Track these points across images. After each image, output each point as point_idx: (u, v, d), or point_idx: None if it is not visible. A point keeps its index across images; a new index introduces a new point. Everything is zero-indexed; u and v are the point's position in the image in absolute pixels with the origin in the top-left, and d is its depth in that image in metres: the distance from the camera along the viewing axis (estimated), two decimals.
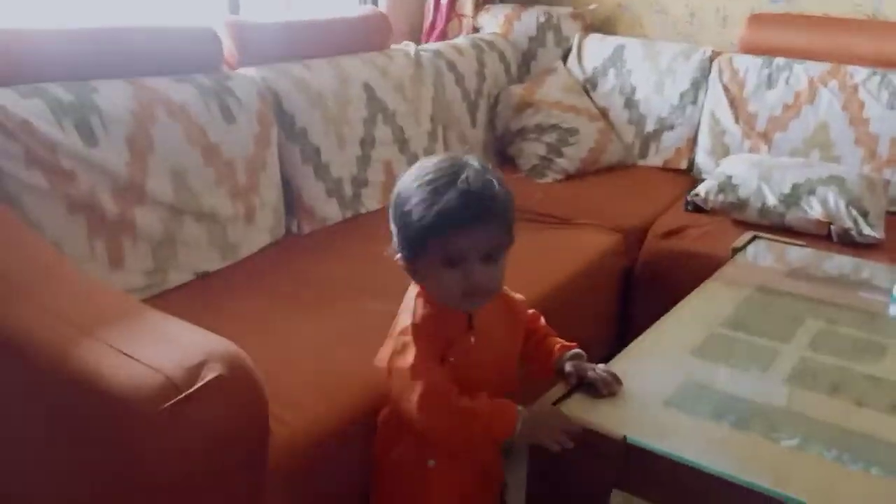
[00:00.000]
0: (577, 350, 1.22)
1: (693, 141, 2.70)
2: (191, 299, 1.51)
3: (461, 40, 2.75)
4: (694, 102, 2.69)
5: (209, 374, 0.95)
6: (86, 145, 1.45)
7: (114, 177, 1.49)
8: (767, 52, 2.60)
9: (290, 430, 1.14)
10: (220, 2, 2.19)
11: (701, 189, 2.28)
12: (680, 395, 1.20)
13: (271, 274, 1.70)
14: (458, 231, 1.04)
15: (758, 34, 2.64)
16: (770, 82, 2.54)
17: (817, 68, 2.48)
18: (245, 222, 1.76)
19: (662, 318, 1.45)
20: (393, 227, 1.12)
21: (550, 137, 2.68)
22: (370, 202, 2.13)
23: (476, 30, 2.96)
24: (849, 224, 2.03)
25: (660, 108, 2.74)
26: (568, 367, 1.18)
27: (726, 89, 2.61)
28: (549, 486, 1.14)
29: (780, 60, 2.54)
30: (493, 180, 1.07)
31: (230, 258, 1.72)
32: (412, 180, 1.08)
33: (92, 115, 1.48)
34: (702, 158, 2.65)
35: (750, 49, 2.65)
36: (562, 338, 1.26)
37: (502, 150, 2.80)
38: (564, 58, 2.92)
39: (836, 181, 2.10)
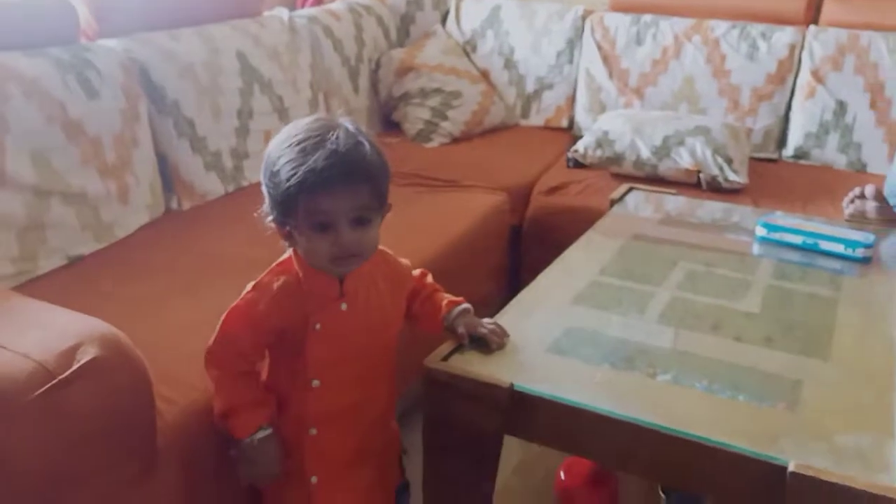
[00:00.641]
0: (464, 305, 1.23)
1: (572, 99, 2.78)
2: (64, 285, 1.45)
3: (337, 5, 2.70)
4: (570, 61, 2.76)
5: (84, 357, 0.92)
6: None
7: None
8: (636, 9, 2.70)
9: (178, 408, 1.12)
10: None
11: (580, 145, 2.36)
12: (562, 341, 1.25)
13: (150, 254, 1.64)
14: (326, 193, 1.04)
15: None
16: (639, 39, 2.64)
17: (682, 24, 2.59)
18: (119, 202, 1.69)
19: (545, 271, 1.50)
20: (263, 189, 1.10)
21: (434, 101, 2.70)
22: (252, 174, 2.08)
23: None
24: (715, 171, 2.15)
25: (538, 67, 2.80)
26: (459, 326, 1.20)
27: (599, 47, 2.69)
28: (444, 437, 1.16)
29: (647, 17, 2.64)
30: (364, 142, 1.07)
31: (106, 240, 1.65)
32: (282, 141, 1.07)
33: None
34: (581, 116, 2.73)
35: (620, 7, 2.74)
36: (454, 296, 1.27)
37: (387, 116, 2.80)
38: (443, 20, 2.93)
39: (703, 131, 2.22)
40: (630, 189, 1.99)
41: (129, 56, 1.80)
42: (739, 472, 0.98)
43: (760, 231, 1.65)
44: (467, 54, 2.87)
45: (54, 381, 0.88)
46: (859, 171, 2.40)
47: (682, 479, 1.12)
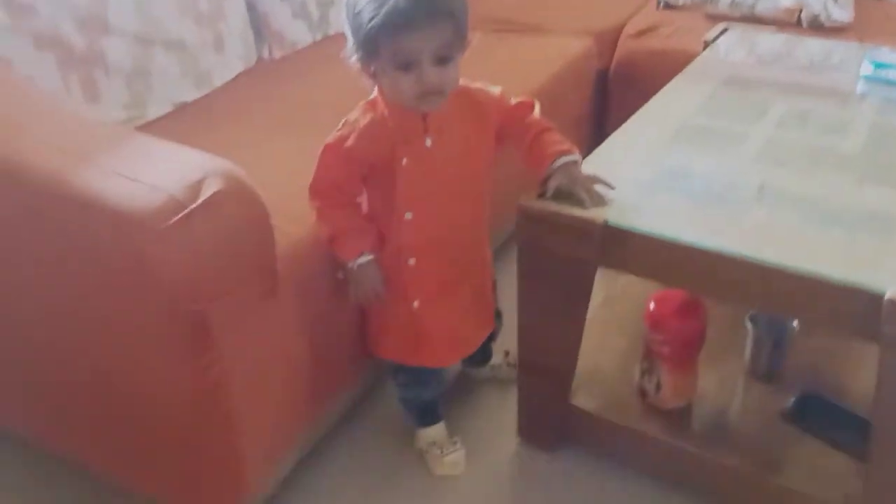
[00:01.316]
0: (568, 157, 1.19)
1: None
2: (173, 129, 1.52)
3: None
4: None
5: (209, 190, 0.98)
6: None
7: (74, 8, 1.45)
8: None
9: (292, 240, 1.20)
10: None
11: None
12: (656, 178, 1.26)
13: (249, 100, 1.70)
14: (409, 32, 1.05)
15: None
16: None
17: None
18: (215, 50, 1.73)
19: (637, 113, 1.50)
20: (347, 30, 1.12)
21: None
22: (338, 23, 2.07)
23: None
24: (818, 9, 2.03)
25: None
26: (553, 183, 1.17)
27: None
28: (538, 266, 1.22)
29: None
30: None
31: (205, 87, 1.71)
32: None
33: None
34: None
35: None
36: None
37: None
38: None
39: None
40: (725, 29, 1.91)
41: None
42: (835, 300, 1.01)
43: (866, 69, 1.58)
44: None
45: (186, 211, 0.96)
46: None
47: (774, 306, 1.16)
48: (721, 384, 1.38)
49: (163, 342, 1.07)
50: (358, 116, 1.19)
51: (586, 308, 1.24)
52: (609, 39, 2.21)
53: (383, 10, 1.04)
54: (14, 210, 1.10)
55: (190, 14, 1.68)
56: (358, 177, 1.21)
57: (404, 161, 1.17)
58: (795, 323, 1.38)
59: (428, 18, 1.05)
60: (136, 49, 1.56)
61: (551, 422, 1.38)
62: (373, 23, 1.05)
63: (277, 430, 1.25)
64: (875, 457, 1.07)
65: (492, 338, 1.48)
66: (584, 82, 2.15)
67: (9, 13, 1.35)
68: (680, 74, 1.67)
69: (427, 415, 1.41)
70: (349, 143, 1.17)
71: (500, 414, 1.48)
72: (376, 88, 1.18)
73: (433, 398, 1.40)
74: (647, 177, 1.27)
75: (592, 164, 1.27)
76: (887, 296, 0.95)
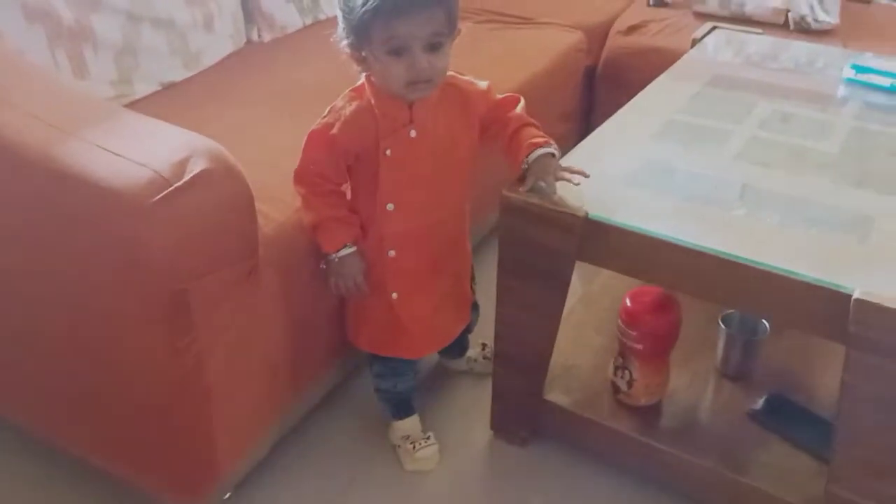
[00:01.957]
0: (543, 150, 1.19)
1: None
2: (160, 108, 1.51)
3: None
4: None
5: (195, 168, 0.99)
6: None
7: None
8: None
9: (275, 223, 1.21)
10: None
11: None
12: (637, 174, 1.28)
13: (237, 81, 1.70)
14: (402, 17, 1.05)
15: None
16: None
17: None
18: (205, 30, 1.73)
19: (621, 109, 1.51)
20: (339, 15, 1.12)
21: None
22: (328, 8, 2.08)
23: None
24: (805, 11, 2.06)
25: None
26: (530, 178, 1.18)
27: None
28: (518, 258, 1.24)
29: None
30: None
31: (194, 67, 1.71)
32: None
33: None
34: None
35: None
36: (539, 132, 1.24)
37: None
38: None
39: None
40: (713, 28, 1.93)
41: None
42: (805, 299, 1.03)
43: (848, 72, 1.61)
44: None
45: (171, 189, 0.96)
46: None
47: (746, 304, 1.18)
48: (692, 382, 1.41)
49: (143, 321, 1.07)
50: (343, 104, 1.19)
51: (563, 303, 1.26)
52: (598, 35, 2.22)
53: None
54: (1, 185, 1.10)
55: None
56: (343, 165, 1.22)
57: (388, 151, 1.18)
58: (767, 324, 1.41)
59: (421, 5, 1.06)
60: (126, 25, 1.56)
61: (524, 416, 1.40)
62: (366, 7, 1.05)
63: (253, 415, 1.26)
64: (836, 459, 1.10)
65: (468, 330, 1.49)
66: (572, 77, 2.16)
67: None
68: (667, 72, 1.68)
69: (401, 407, 1.42)
70: (334, 130, 1.17)
71: (475, 407, 1.49)
72: (363, 76, 1.19)
73: (408, 390, 1.41)
74: (630, 172, 1.28)
75: (577, 158, 1.29)
76: (854, 296, 0.98)
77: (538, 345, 1.31)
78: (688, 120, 1.47)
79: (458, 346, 1.53)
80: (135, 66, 1.58)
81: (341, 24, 1.13)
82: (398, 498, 1.35)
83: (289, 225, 1.23)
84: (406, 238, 1.25)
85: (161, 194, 0.96)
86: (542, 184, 1.18)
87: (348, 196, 1.27)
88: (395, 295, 1.27)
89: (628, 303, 1.30)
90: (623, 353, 1.32)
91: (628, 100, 1.54)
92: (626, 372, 1.32)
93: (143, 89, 1.60)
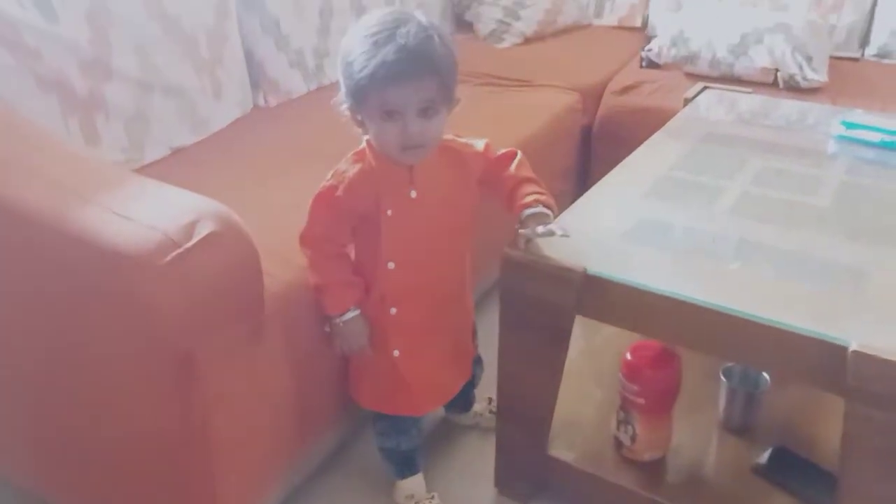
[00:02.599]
0: (533, 210, 1.21)
1: None
2: (169, 172, 1.55)
3: None
4: None
5: (203, 231, 1.02)
6: (47, 21, 1.44)
7: (78, 53, 1.50)
8: None
9: (280, 282, 1.23)
10: None
11: (654, 44, 2.34)
12: (634, 230, 1.31)
13: (243, 146, 1.75)
14: (394, 84, 1.09)
15: None
16: None
17: None
18: (213, 96, 1.79)
19: (617, 167, 1.55)
20: (340, 80, 1.17)
21: (507, 1, 2.68)
22: (333, 73, 2.14)
23: None
24: (794, 70, 2.12)
25: None
26: (523, 236, 1.20)
27: None
28: (519, 314, 1.25)
29: None
30: (434, 36, 1.11)
31: (202, 132, 1.76)
32: (357, 33, 1.12)
33: None
34: (655, 14, 2.69)
35: None
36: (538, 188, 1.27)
37: (460, 15, 2.80)
38: None
39: (783, 28, 2.17)
40: (704, 88, 1.99)
41: None
42: (802, 352, 1.04)
43: (838, 129, 1.65)
44: None
45: (180, 250, 0.99)
46: None
47: (744, 358, 1.19)
48: (695, 436, 1.41)
49: (149, 379, 1.09)
50: (347, 167, 1.23)
51: (565, 357, 1.27)
52: (594, 95, 2.29)
53: (373, 62, 1.09)
54: (10, 245, 1.12)
55: (190, 61, 1.73)
56: (347, 227, 1.25)
57: (389, 212, 1.21)
58: (768, 377, 1.42)
59: (414, 73, 1.10)
60: (137, 94, 1.61)
61: (528, 471, 1.40)
62: (363, 73, 1.10)
63: (257, 472, 1.26)
64: None
65: (473, 384, 1.50)
66: (569, 136, 2.21)
67: (14, 55, 1.40)
68: (661, 130, 1.73)
69: (406, 466, 1.42)
70: (339, 192, 1.21)
71: (479, 463, 1.49)
72: (365, 139, 1.23)
73: (412, 448, 1.41)
74: (626, 227, 1.31)
75: (575, 214, 1.32)
76: (851, 348, 0.99)
77: (541, 399, 1.31)
78: (682, 176, 1.51)
79: (464, 401, 1.54)
80: (145, 133, 1.63)
81: (342, 89, 1.17)
82: None
83: (293, 284, 1.25)
84: (407, 295, 1.27)
85: (170, 256, 0.98)
86: (525, 231, 1.20)
87: (352, 257, 1.30)
88: (396, 352, 1.29)
89: (629, 357, 1.31)
90: (625, 407, 1.33)
91: (624, 157, 1.58)
92: (629, 426, 1.32)
93: (152, 154, 1.64)
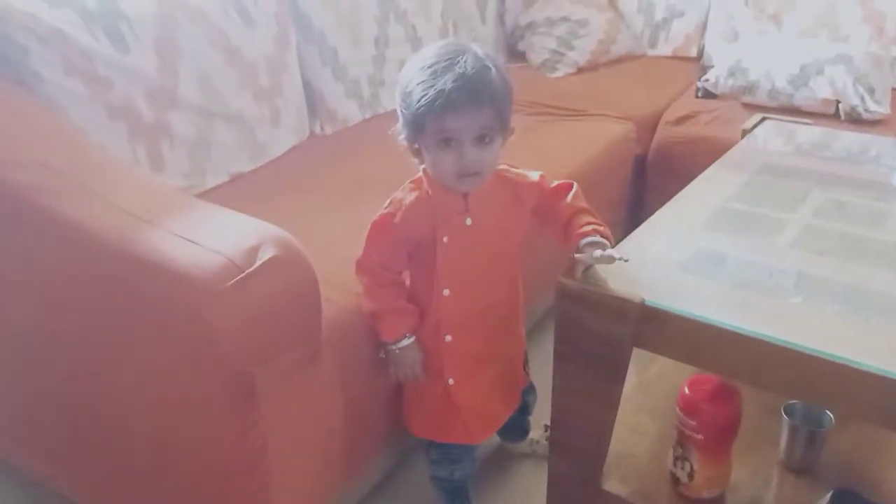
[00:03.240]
0: (590, 238, 1.20)
1: (703, 27, 2.71)
2: (229, 197, 1.59)
3: None
4: None
5: (265, 255, 1.04)
6: (118, 52, 1.50)
7: (146, 82, 1.55)
8: None
9: (336, 307, 1.25)
10: None
11: (711, 74, 2.32)
12: (692, 261, 1.29)
13: (300, 173, 1.79)
14: (452, 113, 1.11)
15: None
16: None
17: None
18: (271, 124, 1.83)
19: (675, 197, 1.53)
20: (398, 109, 1.19)
21: (560, 30, 2.70)
22: (388, 102, 2.18)
23: None
24: (856, 101, 2.08)
25: None
26: (580, 266, 1.18)
27: None
28: (574, 346, 1.24)
29: None
30: (491, 67, 1.13)
31: (260, 160, 1.81)
32: (415, 63, 1.15)
33: (120, 21, 1.52)
34: (711, 44, 2.67)
35: None
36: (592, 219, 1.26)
37: (513, 45, 2.83)
38: None
39: (844, 59, 2.13)
40: (763, 119, 1.96)
41: None
42: (867, 389, 1.01)
43: None
44: None
45: (243, 275, 1.01)
46: None
47: (807, 395, 1.16)
48: (755, 475, 1.36)
49: (209, 400, 1.11)
50: (404, 195, 1.25)
51: (621, 389, 1.25)
52: (648, 125, 2.28)
53: (431, 91, 1.10)
54: (78, 266, 1.16)
55: (250, 90, 1.78)
56: (404, 254, 1.26)
57: (445, 239, 1.22)
58: (832, 415, 1.37)
59: (471, 101, 1.11)
60: (200, 121, 1.66)
61: None
62: (421, 102, 1.12)
63: (309, 496, 1.27)
64: None
65: (527, 412, 1.49)
66: (622, 165, 2.20)
67: (87, 85, 1.46)
68: (718, 161, 1.71)
69: (456, 496, 1.42)
70: (396, 219, 1.23)
71: (534, 492, 1.47)
72: (422, 167, 1.24)
73: (464, 478, 1.40)
74: (684, 259, 1.29)
75: (632, 244, 1.30)
76: None
77: (595, 432, 1.29)
78: (740, 208, 1.49)
79: (520, 429, 1.53)
80: (206, 159, 1.68)
81: (400, 119, 1.19)
82: None
83: (348, 310, 1.27)
84: (461, 323, 1.28)
85: (234, 280, 1.00)
86: (583, 255, 1.18)
87: (407, 283, 1.31)
88: (451, 381, 1.29)
89: (687, 391, 1.29)
90: (682, 442, 1.29)
91: (678, 188, 1.56)
92: (686, 463, 1.29)
93: (213, 180, 1.69)
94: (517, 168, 1.30)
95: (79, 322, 1.21)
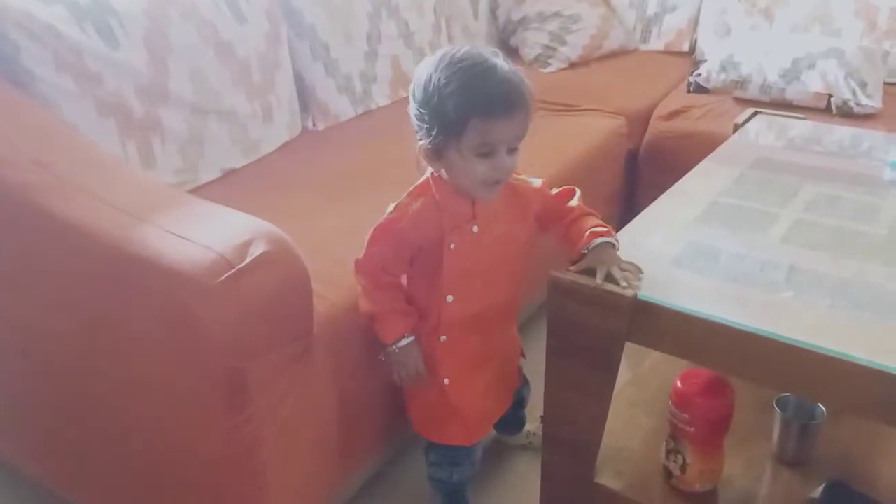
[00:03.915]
0: (603, 239, 1.21)
1: (695, 22, 2.71)
2: (221, 193, 1.59)
3: None
4: None
5: (257, 251, 1.04)
6: (108, 47, 1.49)
7: (137, 78, 1.54)
8: None
9: (328, 303, 1.25)
10: None
11: (703, 69, 2.32)
12: (684, 255, 1.29)
13: (293, 169, 1.78)
14: (497, 118, 1.08)
15: None
16: None
17: None
18: (264, 120, 1.83)
19: (666, 192, 1.53)
20: (419, 112, 1.14)
21: (552, 26, 2.70)
22: (380, 98, 2.18)
23: None
24: (847, 95, 2.09)
25: None
26: (594, 264, 1.18)
27: None
28: (567, 341, 1.24)
29: None
30: (521, 75, 1.12)
31: (253, 155, 1.80)
32: (445, 67, 1.10)
33: (110, 17, 1.51)
34: (703, 39, 2.67)
35: None
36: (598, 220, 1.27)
37: (505, 41, 2.82)
38: None
39: (835, 53, 2.14)
40: (755, 113, 1.96)
41: None
42: (860, 383, 1.01)
43: (894, 155, 1.61)
44: None
45: (234, 270, 1.01)
46: None
47: (800, 388, 1.16)
48: (747, 468, 1.37)
49: (201, 398, 1.10)
50: (409, 201, 1.22)
51: (613, 383, 1.25)
52: (640, 120, 2.28)
53: (480, 93, 1.07)
54: (68, 262, 1.16)
55: (243, 86, 1.77)
56: (406, 259, 1.25)
57: (452, 245, 1.21)
58: (824, 408, 1.38)
59: (514, 108, 1.09)
60: (191, 118, 1.66)
61: (574, 500, 1.37)
62: (467, 104, 1.08)
63: (302, 493, 1.26)
64: None
65: (522, 405, 1.49)
66: (614, 161, 2.20)
67: (77, 81, 1.45)
68: (710, 155, 1.71)
69: (453, 499, 1.41)
70: (402, 224, 1.20)
71: (528, 486, 1.47)
72: (428, 173, 1.21)
73: (463, 480, 1.40)
74: (676, 253, 1.29)
75: (624, 239, 1.30)
76: None
77: (588, 426, 1.29)
78: (732, 202, 1.49)
79: (516, 422, 1.54)
80: (199, 155, 1.67)
81: (423, 123, 1.14)
82: None
83: (341, 305, 1.27)
84: (459, 324, 1.28)
85: (224, 275, 1.00)
86: (609, 272, 1.17)
87: (404, 283, 1.30)
88: (446, 380, 1.29)
89: (679, 385, 1.29)
90: (675, 436, 1.30)
91: (670, 182, 1.57)
92: (679, 456, 1.29)
93: (205, 176, 1.68)
94: (519, 174, 1.29)
95: (71, 319, 1.20)
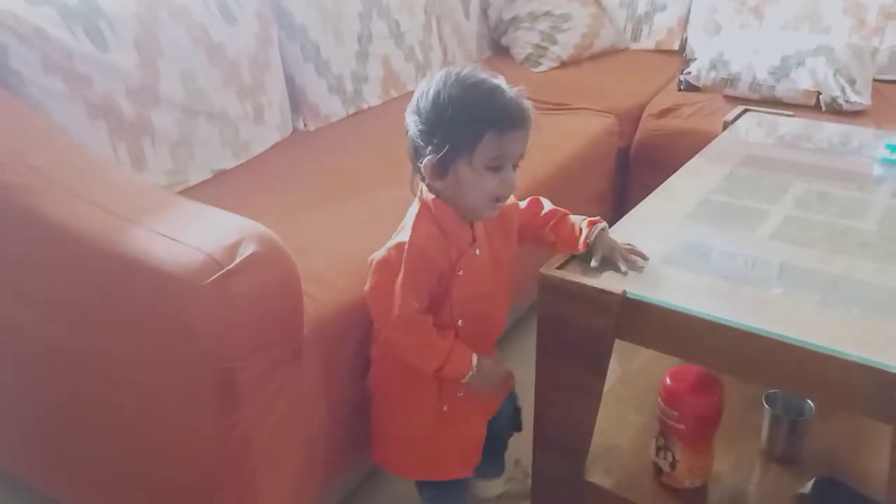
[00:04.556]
0: (602, 224, 1.25)
1: (685, 20, 2.72)
2: (211, 194, 1.58)
3: None
4: None
5: (246, 252, 1.04)
6: (97, 49, 1.49)
7: (127, 80, 1.54)
8: None
9: (319, 304, 1.25)
10: None
11: (693, 67, 2.33)
12: (674, 253, 1.30)
13: (284, 169, 1.78)
14: (511, 132, 1.10)
15: None
16: None
17: None
18: (254, 121, 1.82)
19: (657, 190, 1.54)
20: (426, 127, 1.12)
21: (543, 25, 2.70)
22: (371, 98, 2.18)
23: None
24: (836, 92, 2.10)
25: None
26: (597, 250, 1.22)
27: None
28: (557, 339, 1.25)
29: None
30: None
31: (243, 156, 1.80)
32: (455, 82, 1.10)
33: (99, 19, 1.51)
34: (693, 38, 2.68)
35: None
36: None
37: (497, 40, 2.83)
38: None
39: (825, 51, 2.15)
40: (745, 111, 1.97)
41: None
42: (848, 378, 1.02)
43: (883, 152, 1.62)
44: None
45: (223, 271, 1.01)
46: None
47: (788, 384, 1.17)
48: (737, 465, 1.37)
49: (191, 399, 1.10)
50: (418, 241, 1.16)
51: (603, 381, 1.25)
52: (631, 118, 2.28)
53: (497, 106, 1.09)
54: (58, 264, 1.16)
55: (233, 87, 1.77)
56: (431, 289, 1.20)
57: (461, 272, 1.20)
58: (812, 404, 1.39)
59: (523, 124, 1.11)
60: (182, 119, 1.65)
61: (565, 498, 1.38)
62: (484, 118, 1.08)
63: (293, 493, 1.26)
64: None
65: (504, 444, 1.50)
66: (605, 159, 2.21)
67: (66, 82, 1.44)
68: (700, 153, 1.72)
69: None
70: (422, 275, 1.16)
71: None
72: (430, 199, 1.17)
73: None
74: (666, 251, 1.30)
75: (615, 236, 1.30)
76: None
77: (578, 425, 1.30)
78: (722, 199, 1.49)
79: (496, 466, 1.52)
80: (189, 157, 1.67)
81: (430, 139, 1.12)
82: None
83: (331, 306, 1.26)
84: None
85: (213, 277, 1.00)
86: (614, 261, 1.21)
87: None
88: (446, 407, 1.28)
89: (669, 382, 1.29)
90: (665, 433, 1.30)
91: (661, 180, 1.57)
92: (669, 453, 1.30)
93: (195, 178, 1.68)
94: None
95: (61, 320, 1.20)
